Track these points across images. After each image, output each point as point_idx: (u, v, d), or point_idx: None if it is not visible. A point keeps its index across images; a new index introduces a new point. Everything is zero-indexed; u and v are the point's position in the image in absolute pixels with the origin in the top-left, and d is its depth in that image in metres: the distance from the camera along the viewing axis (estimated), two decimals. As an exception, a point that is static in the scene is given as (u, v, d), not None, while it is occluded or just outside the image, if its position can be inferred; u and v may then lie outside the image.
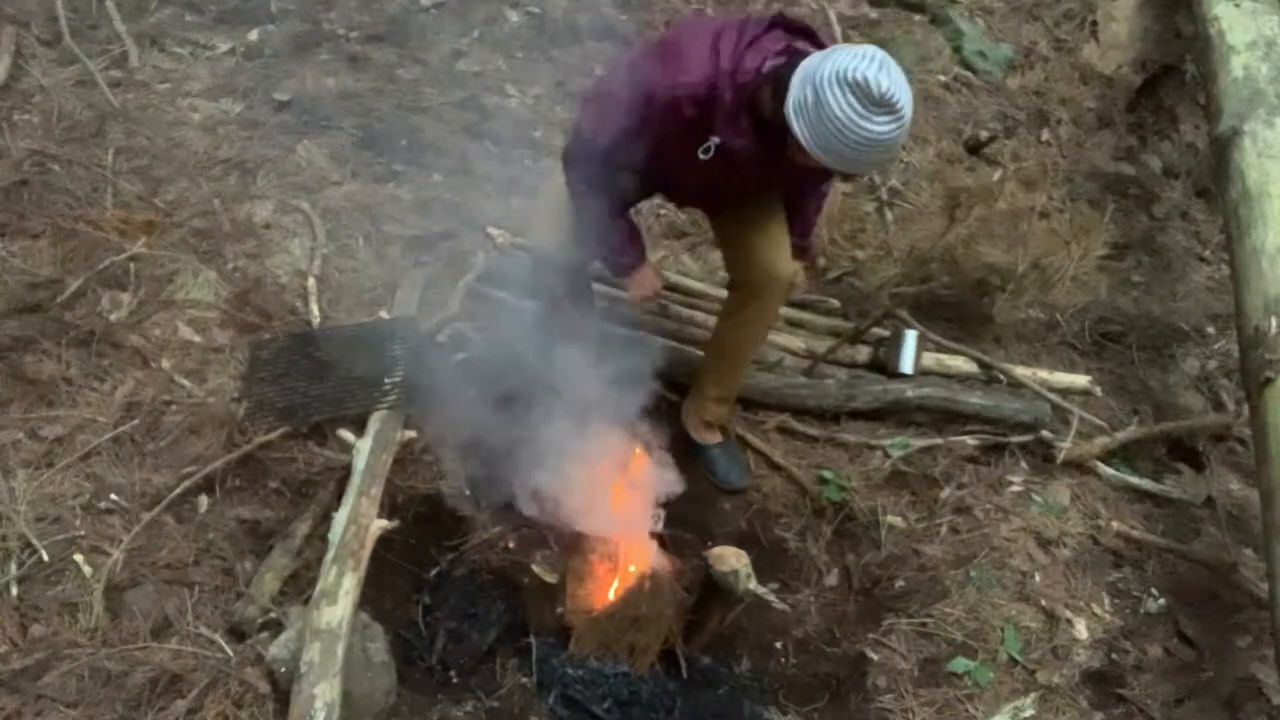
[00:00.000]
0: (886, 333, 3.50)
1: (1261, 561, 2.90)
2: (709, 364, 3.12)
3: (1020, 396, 3.40)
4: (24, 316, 2.88)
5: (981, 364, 3.50)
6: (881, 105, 2.18)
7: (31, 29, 3.85)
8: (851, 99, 2.18)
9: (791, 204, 2.89)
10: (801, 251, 2.95)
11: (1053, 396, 3.41)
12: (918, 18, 4.91)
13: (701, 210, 3.20)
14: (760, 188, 2.78)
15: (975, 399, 3.34)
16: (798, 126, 2.26)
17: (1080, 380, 3.53)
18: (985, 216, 3.67)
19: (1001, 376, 3.48)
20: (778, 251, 2.85)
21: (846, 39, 4.67)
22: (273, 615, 2.38)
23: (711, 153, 2.47)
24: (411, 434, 2.77)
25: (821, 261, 3.81)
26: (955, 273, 3.64)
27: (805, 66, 2.28)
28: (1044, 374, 3.53)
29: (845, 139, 2.22)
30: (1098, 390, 3.53)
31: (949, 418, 3.34)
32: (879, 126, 2.20)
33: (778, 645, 2.85)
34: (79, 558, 2.42)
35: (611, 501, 2.77)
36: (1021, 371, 3.49)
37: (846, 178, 2.49)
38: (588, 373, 2.89)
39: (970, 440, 3.27)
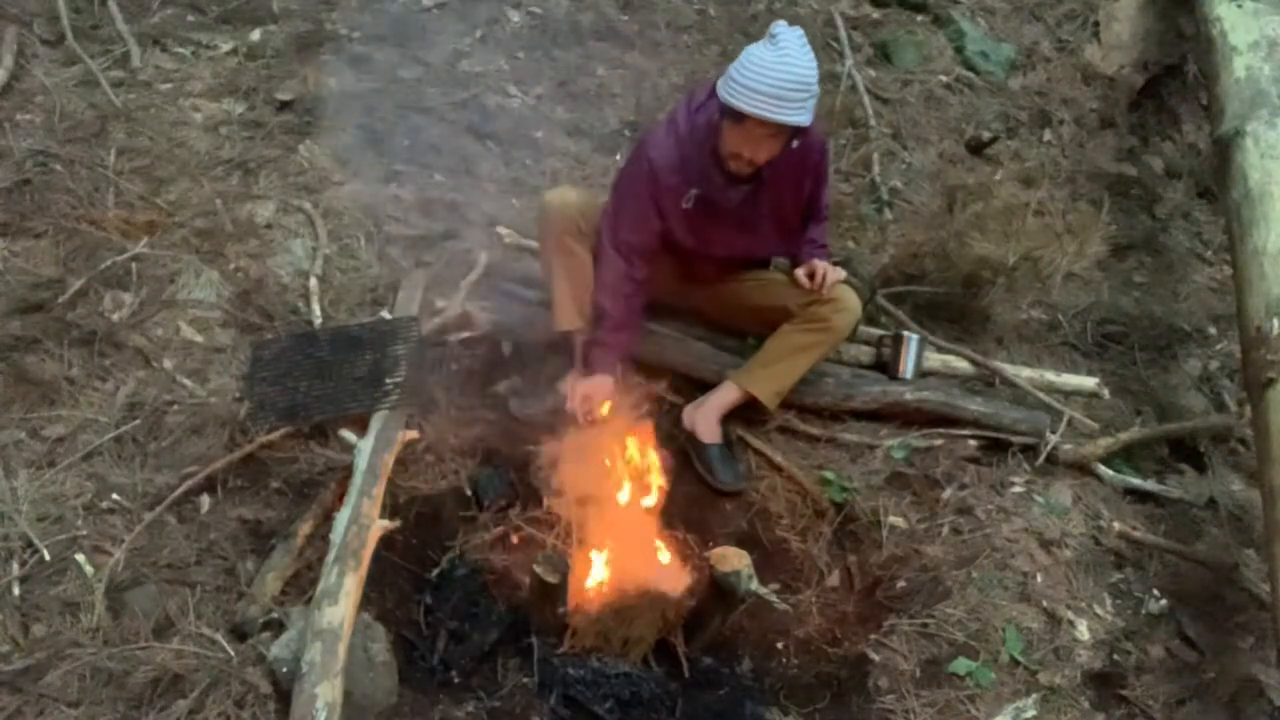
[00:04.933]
0: (886, 333, 3.49)
1: (1263, 562, 2.90)
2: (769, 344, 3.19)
3: (1020, 403, 3.38)
4: (26, 316, 2.89)
5: (981, 366, 3.47)
6: (771, 39, 2.60)
7: (34, 29, 3.85)
8: (760, 43, 2.63)
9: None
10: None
11: (1053, 400, 3.39)
12: (920, 18, 4.91)
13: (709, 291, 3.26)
14: (749, 234, 3.03)
15: (974, 406, 3.30)
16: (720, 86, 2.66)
17: (1088, 382, 3.49)
18: (980, 212, 3.66)
19: (1000, 380, 3.46)
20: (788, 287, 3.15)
21: (849, 38, 4.67)
22: (274, 615, 2.37)
23: (692, 202, 2.85)
24: (413, 434, 2.77)
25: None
26: (947, 266, 3.64)
27: None
28: (1050, 375, 3.50)
29: (740, 67, 2.61)
30: (1105, 392, 3.51)
31: (949, 420, 3.33)
32: (767, 54, 2.58)
33: (779, 646, 2.85)
34: (80, 557, 2.42)
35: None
36: (1028, 373, 3.47)
37: (737, 121, 2.69)
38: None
39: (972, 441, 3.26)
